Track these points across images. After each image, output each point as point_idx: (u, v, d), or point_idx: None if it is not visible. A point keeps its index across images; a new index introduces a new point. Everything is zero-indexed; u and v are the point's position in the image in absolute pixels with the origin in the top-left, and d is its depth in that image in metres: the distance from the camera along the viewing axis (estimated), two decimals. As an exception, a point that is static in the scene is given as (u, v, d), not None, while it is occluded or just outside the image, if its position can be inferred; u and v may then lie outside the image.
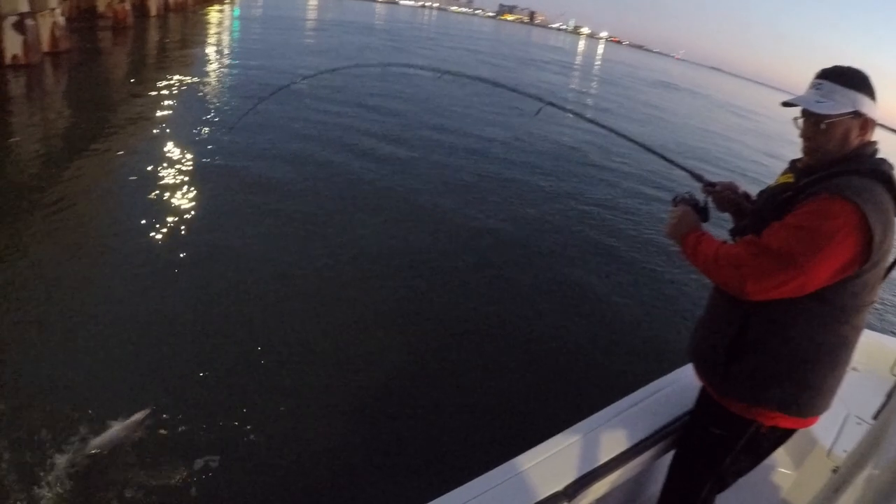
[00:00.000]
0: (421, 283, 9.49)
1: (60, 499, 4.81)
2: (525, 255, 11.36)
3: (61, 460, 5.10)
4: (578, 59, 63.85)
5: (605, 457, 2.55)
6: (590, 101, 34.52)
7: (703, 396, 2.79)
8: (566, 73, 43.56)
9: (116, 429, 5.33)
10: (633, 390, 3.04)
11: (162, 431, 5.61)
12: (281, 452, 5.64)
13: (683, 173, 3.05)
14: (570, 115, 4.25)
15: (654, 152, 3.31)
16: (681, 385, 3.04)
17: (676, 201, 2.73)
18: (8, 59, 22.63)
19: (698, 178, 2.98)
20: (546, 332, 8.58)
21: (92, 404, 5.79)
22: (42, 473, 4.99)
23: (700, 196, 2.80)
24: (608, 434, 2.66)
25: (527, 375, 7.39)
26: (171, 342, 7.10)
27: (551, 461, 2.46)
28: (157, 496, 4.95)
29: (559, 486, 2.33)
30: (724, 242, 2.53)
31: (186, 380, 6.44)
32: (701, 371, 2.71)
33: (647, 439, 2.72)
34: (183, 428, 5.71)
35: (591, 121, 4.04)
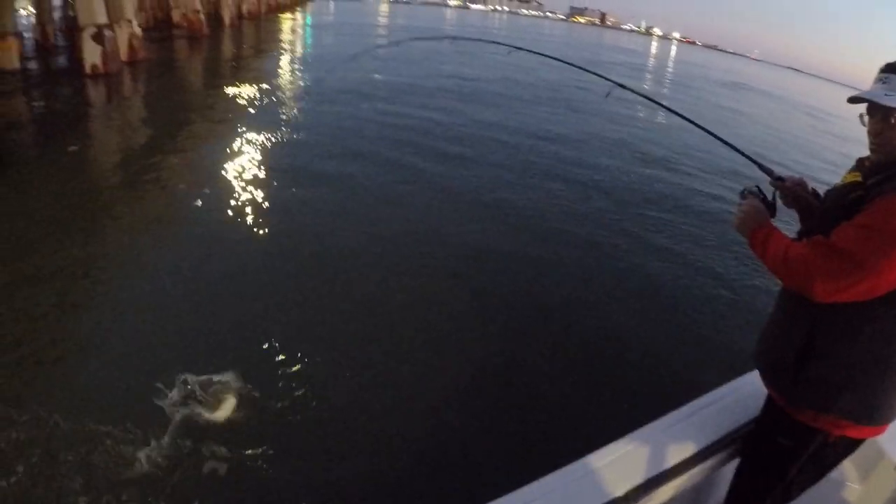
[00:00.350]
0: (492, 281, 9.51)
1: (156, 465, 5.23)
2: (593, 253, 11.11)
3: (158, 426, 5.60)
4: (648, 61, 62.11)
5: (667, 463, 2.51)
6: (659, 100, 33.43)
7: (769, 404, 2.69)
8: (635, 75, 42.22)
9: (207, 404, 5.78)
10: (697, 396, 2.95)
11: (248, 410, 5.97)
12: (357, 440, 5.85)
13: (751, 167, 2.93)
14: (640, 100, 4.18)
15: (722, 140, 3.22)
16: (746, 392, 2.93)
17: (745, 194, 2.64)
18: (87, 69, 23.98)
19: (767, 171, 2.84)
20: (614, 332, 8.40)
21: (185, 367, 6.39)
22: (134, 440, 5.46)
23: (768, 190, 2.70)
24: (671, 440, 2.62)
25: (593, 376, 7.30)
26: (255, 319, 7.65)
27: (614, 465, 2.43)
28: (239, 472, 5.29)
29: (620, 492, 2.32)
30: (794, 241, 2.45)
31: (271, 362, 6.86)
32: (767, 378, 2.63)
33: (710, 447, 2.65)
34: (269, 407, 6.06)
35: (660, 104, 3.98)
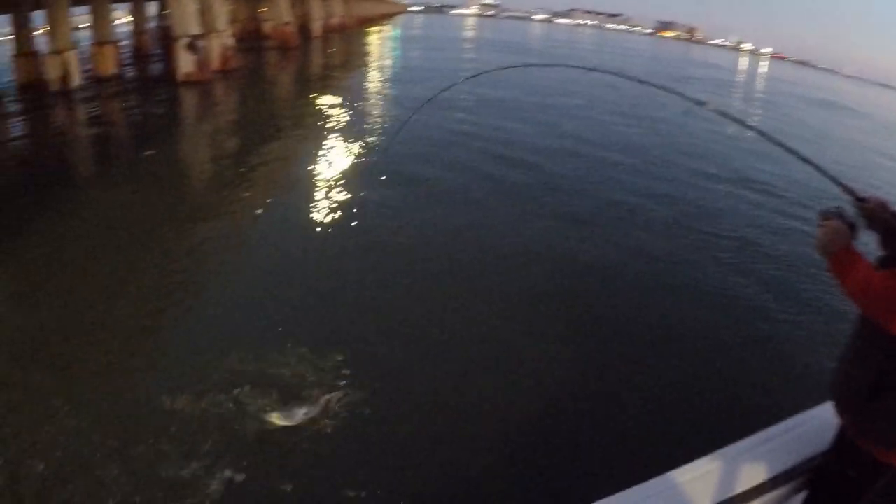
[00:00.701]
0: (574, 295, 9.31)
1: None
2: (675, 270, 10.62)
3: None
4: (733, 76, 59.19)
5: (735, 490, 2.50)
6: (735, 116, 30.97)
7: (841, 436, 2.62)
8: (718, 91, 40.05)
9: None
10: (771, 423, 2.85)
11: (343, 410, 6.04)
12: (440, 441, 5.87)
13: (833, 186, 2.73)
14: (722, 119, 3.96)
15: (802, 158, 3.04)
16: (820, 423, 2.84)
17: (826, 215, 2.53)
18: (181, 77, 24.57)
19: (849, 191, 2.68)
20: (693, 351, 8.11)
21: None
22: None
23: (850, 211, 2.58)
24: (741, 467, 2.59)
25: (671, 395, 7.06)
26: (349, 318, 7.83)
27: (681, 490, 2.44)
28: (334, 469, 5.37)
29: None
30: (877, 268, 2.37)
31: (366, 358, 6.95)
32: (840, 409, 2.56)
33: (779, 476, 2.61)
34: (359, 402, 6.14)
35: (739, 121, 3.86)
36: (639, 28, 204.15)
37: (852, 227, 2.49)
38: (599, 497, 2.26)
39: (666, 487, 2.45)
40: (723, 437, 2.75)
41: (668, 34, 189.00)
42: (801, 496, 2.77)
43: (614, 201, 13.56)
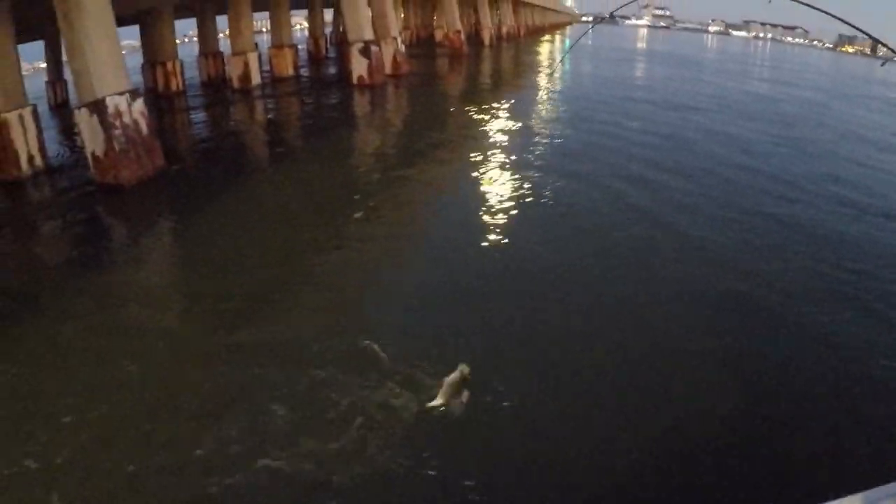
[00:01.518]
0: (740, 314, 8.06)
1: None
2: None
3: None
4: None
5: None
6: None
7: None
8: (884, 110, 35.52)
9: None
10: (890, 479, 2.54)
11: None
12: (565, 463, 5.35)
13: None
14: None
15: None
16: None
17: None
18: (354, 79, 24.71)
19: None
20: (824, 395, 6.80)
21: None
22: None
23: None
24: None
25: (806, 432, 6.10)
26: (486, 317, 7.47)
27: None
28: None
29: None
30: None
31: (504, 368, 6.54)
32: None
33: None
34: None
35: None
36: (818, 42, 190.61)
37: None
38: None
39: None
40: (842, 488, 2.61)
41: (849, 49, 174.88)
42: None
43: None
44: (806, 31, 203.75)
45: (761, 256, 9.85)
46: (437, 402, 5.63)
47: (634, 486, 5.23)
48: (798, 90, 38.75)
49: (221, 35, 30.46)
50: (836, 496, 2.52)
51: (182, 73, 24.73)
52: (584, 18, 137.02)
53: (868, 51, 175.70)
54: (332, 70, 31.12)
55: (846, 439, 6.08)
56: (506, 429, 5.62)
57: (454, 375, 5.74)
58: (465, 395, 5.68)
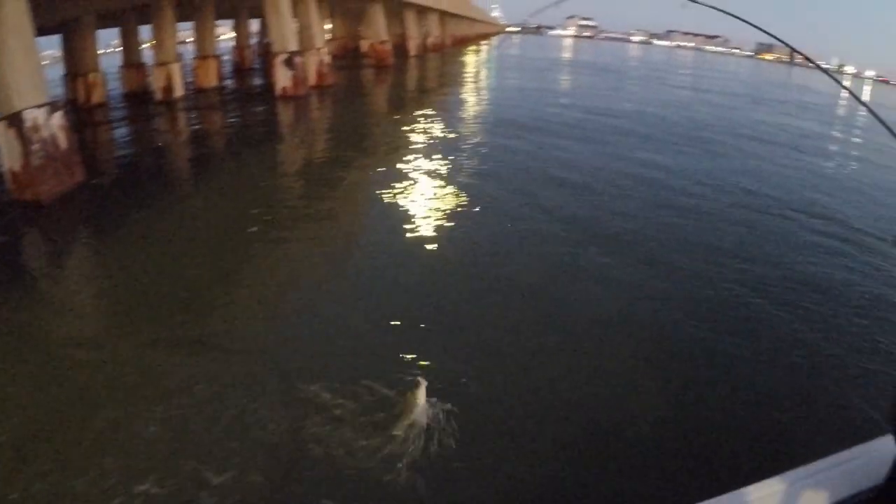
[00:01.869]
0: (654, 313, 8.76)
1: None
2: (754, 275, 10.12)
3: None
4: (821, 99, 55.50)
5: None
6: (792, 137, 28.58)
7: None
8: (796, 114, 37.78)
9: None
10: (819, 457, 2.62)
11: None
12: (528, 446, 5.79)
13: None
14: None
15: None
16: (876, 456, 2.63)
17: None
18: (278, 91, 25.03)
19: None
20: (757, 375, 7.63)
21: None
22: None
23: None
24: (788, 499, 2.48)
25: (731, 417, 6.73)
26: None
27: None
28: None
29: None
30: None
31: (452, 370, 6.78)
32: None
33: None
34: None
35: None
36: (738, 50, 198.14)
37: None
38: None
39: None
40: (767, 471, 2.62)
41: (768, 57, 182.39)
42: None
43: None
44: (726, 40, 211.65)
45: (647, 236, 11.22)
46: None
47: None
48: (712, 96, 40.76)
49: (147, 46, 30.20)
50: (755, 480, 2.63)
51: (104, 85, 24.35)
52: (509, 29, 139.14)
53: (786, 58, 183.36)
54: (258, 81, 31.21)
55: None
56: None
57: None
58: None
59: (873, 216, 14.12)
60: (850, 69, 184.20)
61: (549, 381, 6.80)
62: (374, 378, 6.28)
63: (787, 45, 4.57)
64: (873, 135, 27.11)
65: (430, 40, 55.68)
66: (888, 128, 3.19)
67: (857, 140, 28.25)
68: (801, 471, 2.66)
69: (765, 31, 4.79)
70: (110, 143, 18.84)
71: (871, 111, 3.45)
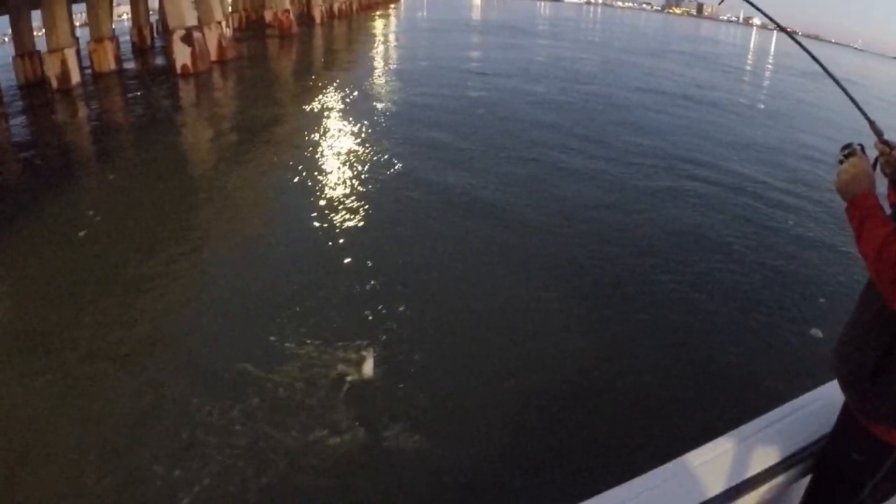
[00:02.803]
0: (587, 276, 9.25)
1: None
2: (680, 242, 10.65)
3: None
4: (723, 49, 57.02)
5: (734, 480, 2.44)
6: (698, 87, 29.66)
7: (845, 418, 2.53)
8: (693, 64, 38.98)
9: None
10: (771, 408, 2.78)
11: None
12: (459, 422, 6.09)
13: (859, 122, 2.55)
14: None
15: (837, 82, 2.81)
16: (821, 405, 2.80)
17: (852, 151, 2.29)
18: (178, 69, 24.73)
19: (877, 131, 2.48)
20: (700, 334, 7.99)
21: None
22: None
23: (872, 153, 2.37)
24: (740, 456, 2.53)
25: (676, 379, 7.02)
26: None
27: (678, 482, 2.39)
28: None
29: None
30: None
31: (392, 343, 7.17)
32: (843, 388, 2.45)
33: (781, 463, 2.56)
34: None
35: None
36: (648, 5, 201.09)
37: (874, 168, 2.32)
38: (599, 489, 2.27)
39: (671, 475, 2.42)
40: (729, 423, 2.72)
41: (677, 11, 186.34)
42: (806, 481, 2.73)
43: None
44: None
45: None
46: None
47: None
48: (610, 51, 41.84)
49: (40, 33, 28.99)
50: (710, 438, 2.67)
51: (-4, 78, 23.12)
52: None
53: (694, 12, 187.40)
54: (159, 61, 30.60)
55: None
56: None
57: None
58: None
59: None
60: (756, 21, 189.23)
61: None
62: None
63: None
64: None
65: (336, 6, 55.08)
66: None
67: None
68: (750, 426, 2.71)
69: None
70: (2, 138, 17.92)
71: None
